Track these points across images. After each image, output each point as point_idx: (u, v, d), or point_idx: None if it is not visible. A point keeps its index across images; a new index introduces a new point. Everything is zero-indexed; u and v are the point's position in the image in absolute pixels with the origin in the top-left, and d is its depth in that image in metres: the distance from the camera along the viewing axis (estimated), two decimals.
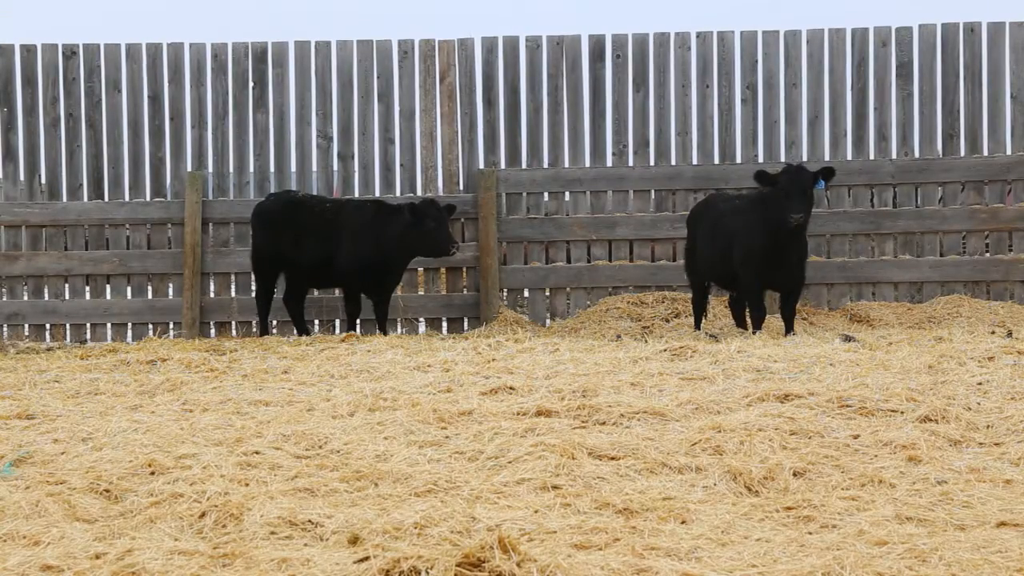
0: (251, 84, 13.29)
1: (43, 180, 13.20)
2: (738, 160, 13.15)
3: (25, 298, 13.06)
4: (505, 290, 13.05)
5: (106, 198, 13.10)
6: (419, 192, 13.13)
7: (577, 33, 13.33)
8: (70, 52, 13.20)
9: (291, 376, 9.02)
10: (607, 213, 13.15)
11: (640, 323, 12.16)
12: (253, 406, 7.72)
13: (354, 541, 4.74)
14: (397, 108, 13.30)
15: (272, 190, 13.01)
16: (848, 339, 10.07)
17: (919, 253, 12.91)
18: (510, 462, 5.98)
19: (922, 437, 6.31)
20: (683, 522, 5.10)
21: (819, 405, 6.96)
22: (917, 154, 13.05)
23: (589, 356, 9.28)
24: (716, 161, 13.18)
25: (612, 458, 6.07)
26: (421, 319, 13.09)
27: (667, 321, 11.96)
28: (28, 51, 13.18)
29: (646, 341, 10.53)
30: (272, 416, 7.31)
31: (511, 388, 7.86)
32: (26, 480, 5.76)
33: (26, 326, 12.96)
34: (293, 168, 13.41)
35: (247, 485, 5.60)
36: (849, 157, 13.08)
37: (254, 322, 12.64)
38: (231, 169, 13.28)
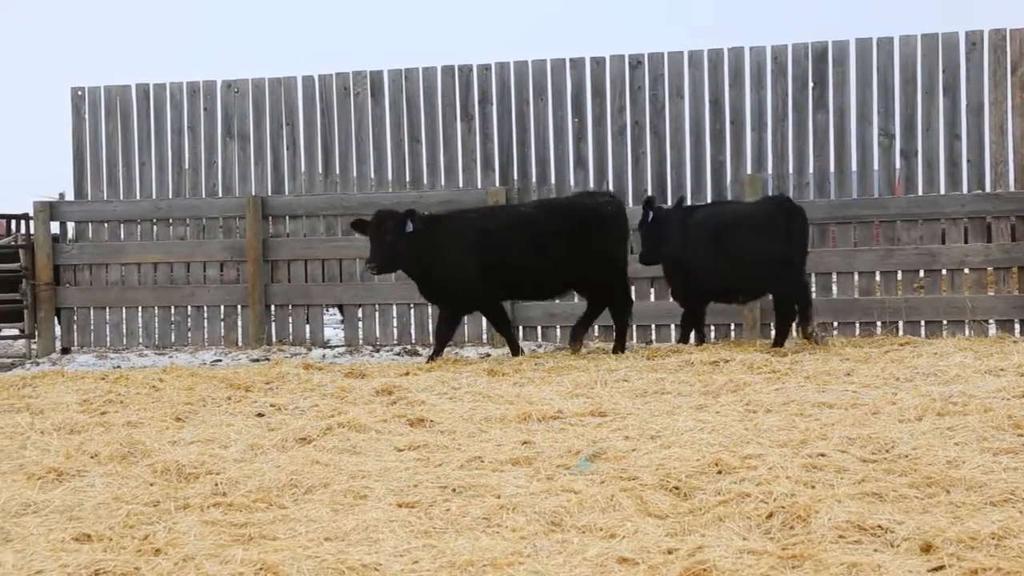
0: (811, 84, 13.22)
1: (610, 186, 13.70)
2: None
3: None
4: None
5: (668, 204, 13.41)
6: (988, 189, 12.57)
7: None
8: (635, 62, 13.66)
9: (854, 378, 8.90)
10: None
11: None
12: (816, 408, 7.68)
13: (927, 549, 4.58)
14: (963, 102, 12.81)
15: (832, 191, 12.90)
16: None
17: None
18: None
19: None
20: None
21: None
22: None
23: None
24: None
25: None
26: (991, 321, 12.51)
27: None
28: (597, 63, 13.77)
29: None
30: (836, 418, 7.23)
31: None
32: (600, 475, 5.99)
33: (595, 326, 13.49)
34: (854, 167, 13.20)
35: (813, 487, 5.55)
36: None
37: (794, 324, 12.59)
38: (790, 170, 13.26)
